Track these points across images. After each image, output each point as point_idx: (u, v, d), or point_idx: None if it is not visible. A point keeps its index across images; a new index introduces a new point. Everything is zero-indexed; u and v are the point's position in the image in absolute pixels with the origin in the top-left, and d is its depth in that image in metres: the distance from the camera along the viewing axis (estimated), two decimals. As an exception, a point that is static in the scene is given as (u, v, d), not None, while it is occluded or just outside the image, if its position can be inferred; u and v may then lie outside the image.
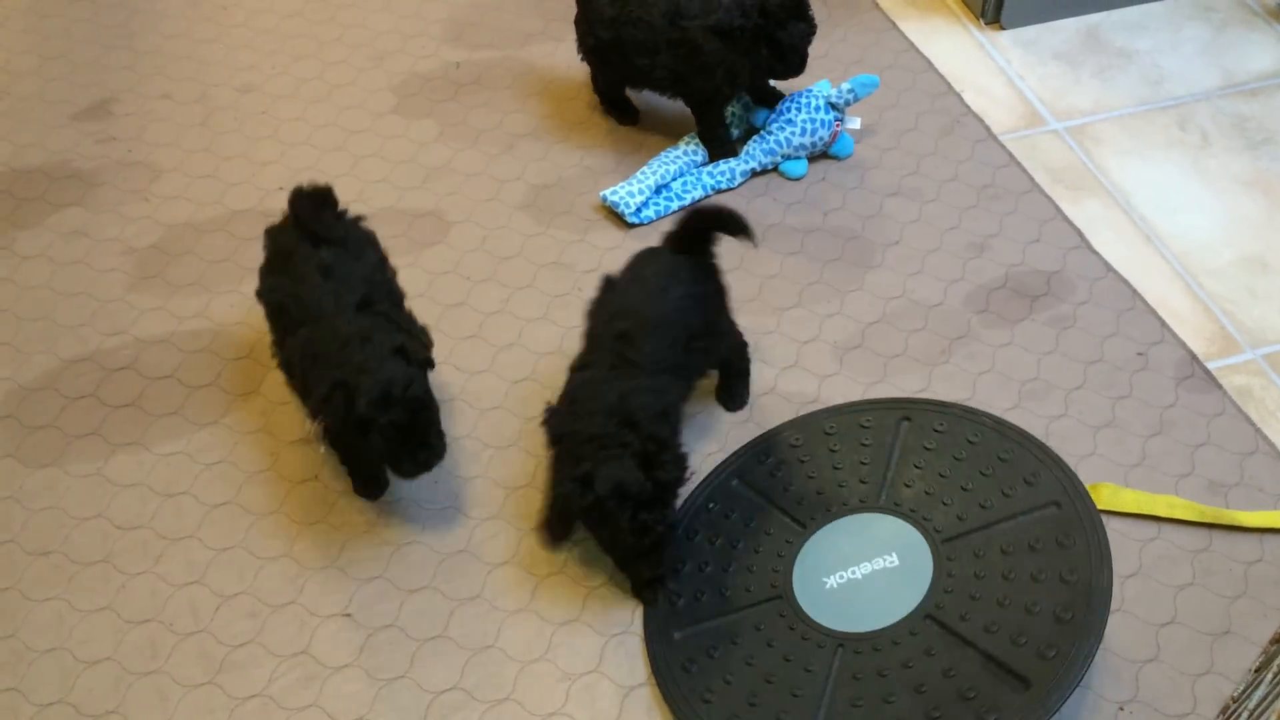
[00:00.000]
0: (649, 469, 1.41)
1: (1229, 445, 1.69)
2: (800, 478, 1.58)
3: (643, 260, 1.63)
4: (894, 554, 1.48)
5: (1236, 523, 1.58)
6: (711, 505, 1.57)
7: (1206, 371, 1.78)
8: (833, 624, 1.42)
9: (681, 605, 1.47)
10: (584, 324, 1.61)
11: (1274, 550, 1.58)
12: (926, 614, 1.41)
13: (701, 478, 1.62)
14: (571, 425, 1.47)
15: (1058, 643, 1.35)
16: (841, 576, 1.47)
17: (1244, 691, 1.32)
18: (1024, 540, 1.46)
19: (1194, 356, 1.80)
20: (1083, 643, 1.34)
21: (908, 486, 1.55)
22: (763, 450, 1.63)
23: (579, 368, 1.55)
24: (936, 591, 1.43)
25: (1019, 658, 1.35)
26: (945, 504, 1.52)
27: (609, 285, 1.61)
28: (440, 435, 1.52)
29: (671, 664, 1.42)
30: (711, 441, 1.70)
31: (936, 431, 1.61)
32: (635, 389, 1.47)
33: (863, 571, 1.47)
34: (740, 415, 1.73)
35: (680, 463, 1.46)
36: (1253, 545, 1.58)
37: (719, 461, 1.65)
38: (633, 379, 1.48)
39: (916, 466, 1.57)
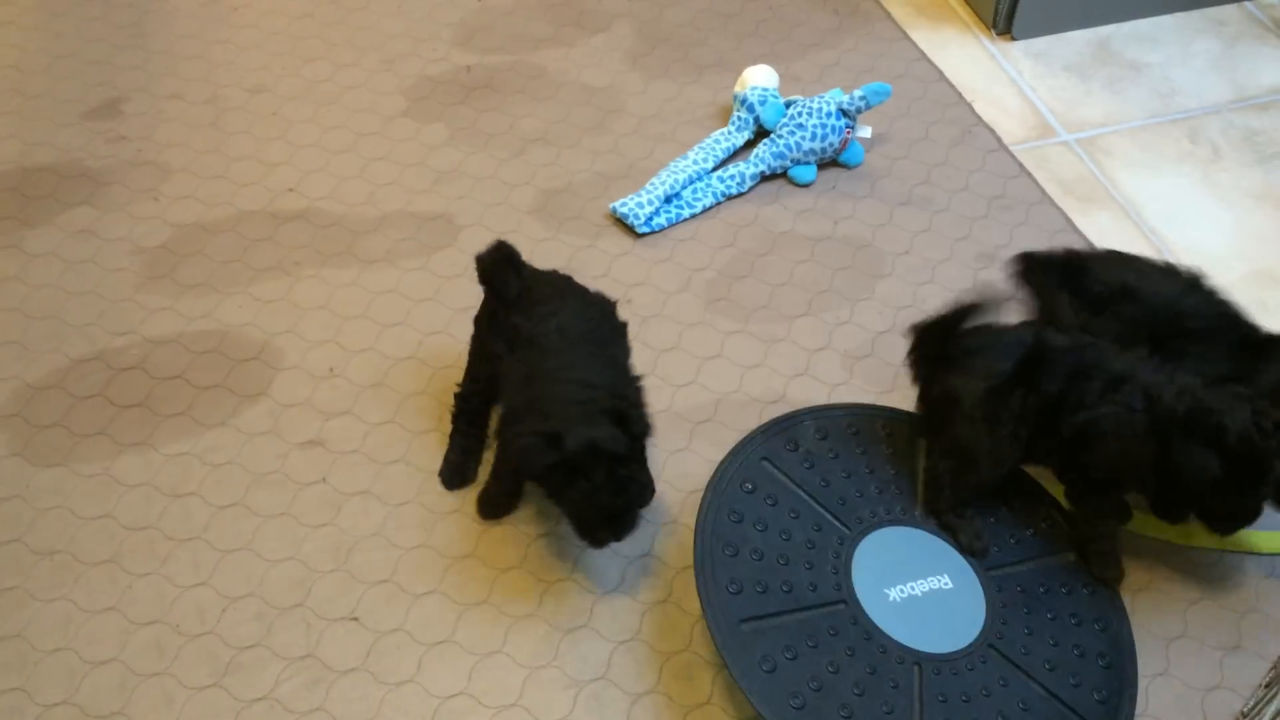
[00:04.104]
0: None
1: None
2: (837, 475, 1.55)
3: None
4: (946, 576, 1.46)
5: (1254, 549, 1.58)
6: (748, 487, 1.53)
7: (1217, 385, 1.78)
8: (906, 640, 1.39)
9: (743, 595, 1.41)
10: None
11: (1284, 565, 1.58)
12: (989, 643, 1.40)
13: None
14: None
15: (1104, 688, 1.36)
16: (902, 590, 1.44)
17: (1254, 707, 1.31)
18: (1056, 582, 1.47)
19: (1204, 370, 1.80)
20: (1126, 690, 1.37)
21: None
22: (789, 437, 1.59)
23: None
24: (994, 621, 1.42)
25: (1079, 700, 1.35)
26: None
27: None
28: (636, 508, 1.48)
29: (750, 658, 1.35)
30: (719, 449, 1.69)
31: None
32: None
33: (920, 589, 1.44)
34: (749, 423, 1.72)
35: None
36: (1263, 561, 1.57)
37: (736, 441, 1.61)
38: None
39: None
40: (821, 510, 1.52)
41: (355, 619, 1.51)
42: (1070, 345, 1.47)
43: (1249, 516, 1.42)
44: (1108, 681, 1.37)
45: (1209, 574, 1.56)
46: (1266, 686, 1.33)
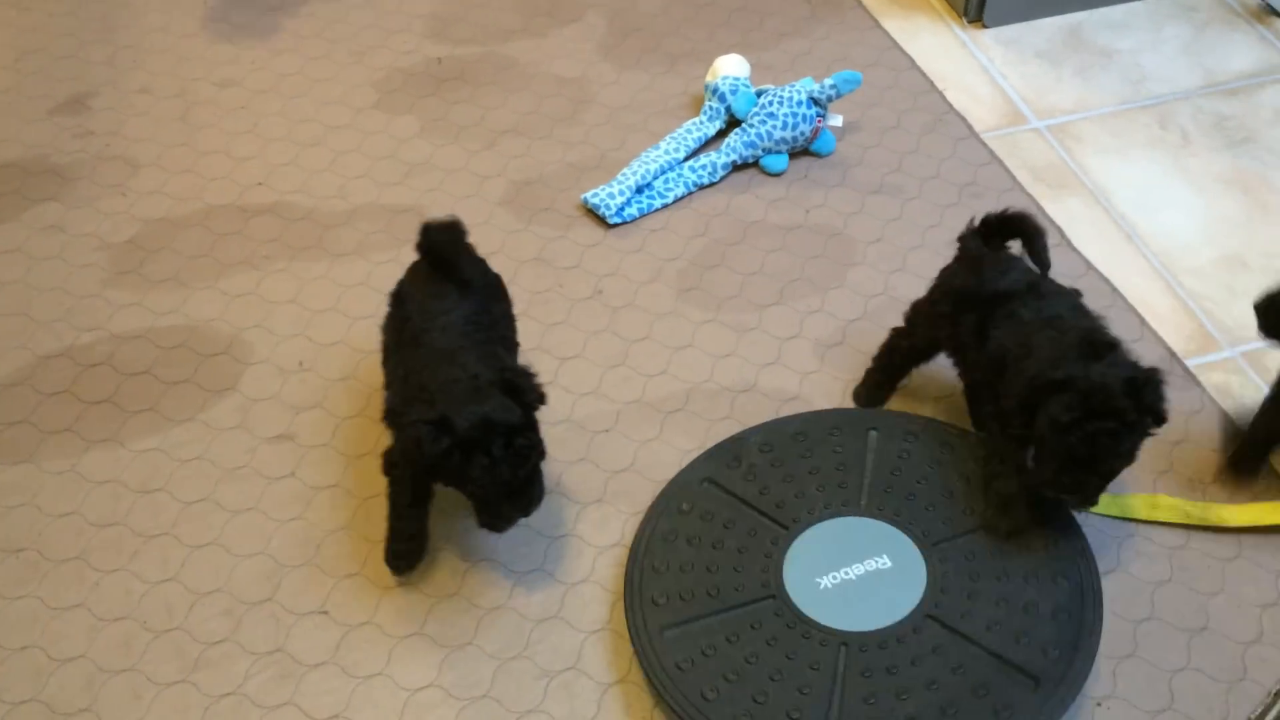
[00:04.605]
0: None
1: (1208, 443, 1.69)
2: (776, 481, 1.57)
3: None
4: (885, 556, 1.47)
5: (1222, 523, 1.58)
6: (685, 507, 1.55)
7: (1186, 369, 1.79)
8: (833, 623, 1.41)
9: (667, 605, 1.45)
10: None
11: (1251, 548, 1.58)
12: (926, 613, 1.41)
13: (667, 480, 1.60)
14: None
15: (1059, 640, 1.37)
16: (835, 577, 1.46)
17: (1262, 714, 1.31)
18: (1013, 543, 1.47)
19: (1173, 354, 1.80)
20: (1083, 640, 1.37)
21: (887, 492, 1.54)
22: (731, 455, 1.61)
23: None
24: (933, 591, 1.43)
25: (1024, 655, 1.36)
26: (928, 510, 1.52)
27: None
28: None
29: (664, 663, 1.39)
30: (690, 439, 1.69)
31: (908, 439, 1.61)
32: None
33: (856, 572, 1.46)
34: (720, 412, 1.73)
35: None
36: (1230, 543, 1.58)
37: (684, 464, 1.63)
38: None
39: (893, 473, 1.56)
40: (758, 515, 1.54)
41: (325, 613, 1.51)
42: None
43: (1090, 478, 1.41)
44: (1060, 634, 1.37)
45: (1176, 556, 1.56)
46: (1277, 695, 1.33)
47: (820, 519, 1.52)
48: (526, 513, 1.45)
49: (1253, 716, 1.32)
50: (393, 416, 1.45)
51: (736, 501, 1.55)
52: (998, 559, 1.46)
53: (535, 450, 1.40)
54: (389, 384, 1.54)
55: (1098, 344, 1.41)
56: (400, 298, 1.57)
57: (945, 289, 1.61)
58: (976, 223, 1.60)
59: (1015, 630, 1.38)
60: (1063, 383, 1.37)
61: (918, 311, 1.66)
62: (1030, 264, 1.56)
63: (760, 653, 1.39)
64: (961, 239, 1.62)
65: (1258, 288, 1.56)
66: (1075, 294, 1.56)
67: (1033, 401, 1.39)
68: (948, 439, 1.60)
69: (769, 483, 1.57)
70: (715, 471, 1.59)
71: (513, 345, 1.62)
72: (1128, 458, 1.40)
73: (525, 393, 1.40)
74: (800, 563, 1.48)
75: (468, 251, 1.56)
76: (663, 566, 1.49)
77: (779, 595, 1.44)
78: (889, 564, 1.47)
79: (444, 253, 1.53)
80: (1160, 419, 1.39)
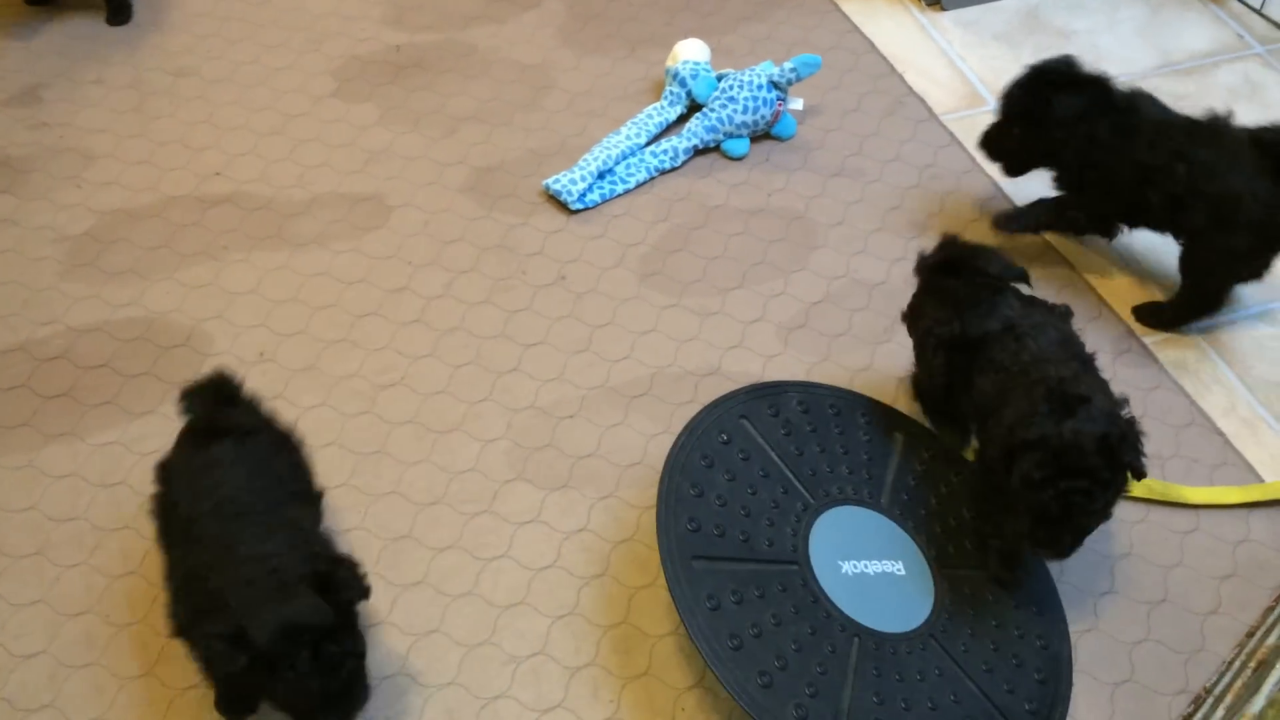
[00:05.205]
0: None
1: (1166, 418, 1.72)
2: (811, 448, 1.55)
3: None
4: (900, 563, 1.47)
5: (1182, 500, 1.60)
6: (724, 438, 1.52)
7: (1143, 346, 1.81)
8: (850, 611, 1.40)
9: (699, 534, 1.41)
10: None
11: (1210, 521, 1.60)
12: (931, 634, 1.41)
13: (706, 403, 1.56)
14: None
15: (1036, 700, 1.38)
16: (855, 566, 1.45)
17: (1217, 682, 1.33)
18: (1007, 595, 1.47)
19: (1131, 331, 1.82)
20: (1058, 708, 1.38)
21: (907, 499, 1.54)
22: (771, 403, 1.58)
23: None
24: (939, 615, 1.43)
25: (1010, 706, 1.37)
26: (939, 530, 1.52)
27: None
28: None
29: (696, 593, 1.35)
30: (655, 423, 1.69)
31: (928, 451, 1.61)
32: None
33: (873, 569, 1.45)
34: (685, 396, 1.73)
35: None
36: (1188, 517, 1.60)
37: (649, 448, 1.63)
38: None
39: (913, 481, 1.56)
40: (791, 476, 1.52)
41: (289, 603, 1.49)
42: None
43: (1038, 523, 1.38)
44: (1041, 695, 1.38)
45: (1136, 530, 1.58)
46: (1230, 664, 1.34)
47: (848, 502, 1.51)
48: (348, 718, 1.27)
49: (1209, 685, 1.35)
50: (181, 629, 1.27)
51: (772, 454, 1.53)
52: (996, 606, 1.46)
53: (351, 657, 1.23)
54: (169, 582, 1.33)
55: (1069, 398, 1.36)
56: (166, 474, 1.39)
57: (933, 338, 1.56)
58: (917, 264, 1.61)
59: (1006, 679, 1.39)
60: (1034, 442, 1.34)
61: (921, 356, 1.63)
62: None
63: (785, 618, 1.37)
64: (930, 273, 1.61)
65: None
66: (1062, 316, 1.53)
67: (1008, 459, 1.37)
68: (959, 467, 1.60)
69: (805, 447, 1.55)
70: (754, 414, 1.56)
71: (314, 498, 1.45)
72: (1102, 515, 1.38)
73: (342, 588, 1.23)
74: (825, 540, 1.46)
75: (238, 405, 1.42)
76: (698, 492, 1.45)
77: (803, 565, 1.43)
78: (902, 571, 1.46)
79: (209, 419, 1.39)
80: (1137, 475, 1.36)
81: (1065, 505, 1.33)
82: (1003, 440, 1.39)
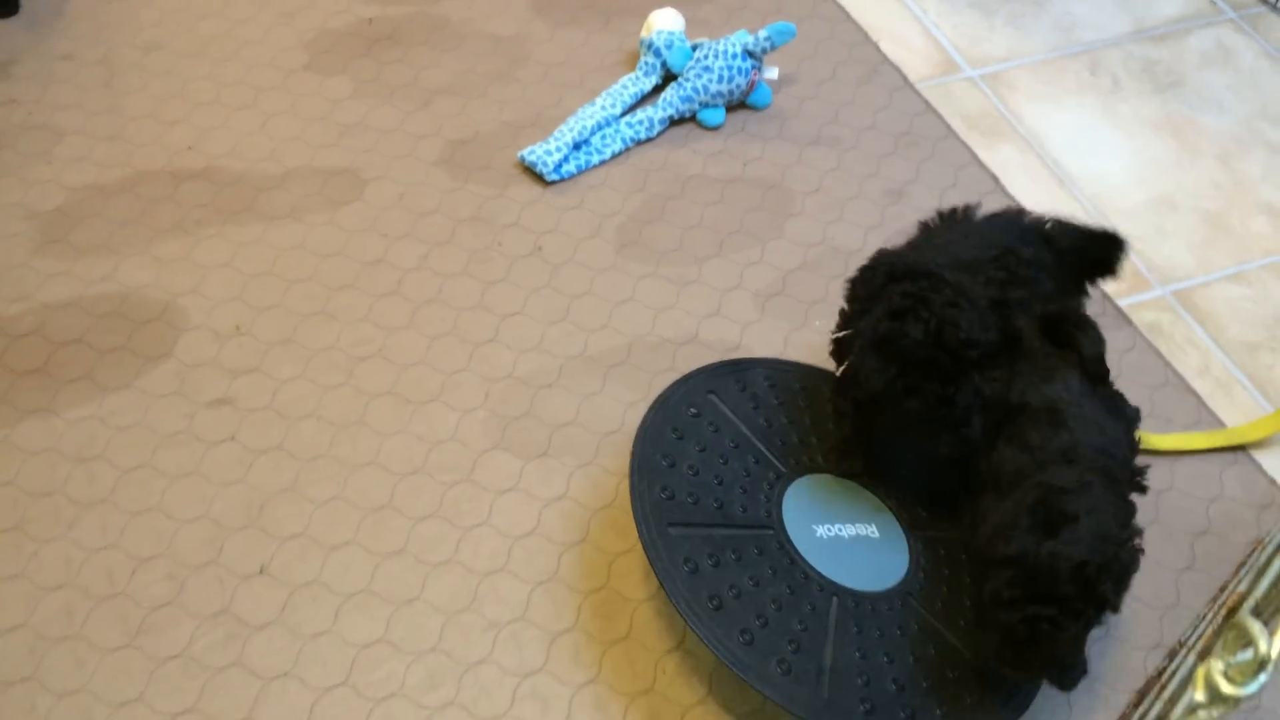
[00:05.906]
0: None
1: (1140, 379, 1.73)
2: (780, 421, 1.56)
3: None
4: (873, 525, 1.48)
5: (1149, 447, 1.62)
6: (693, 411, 1.53)
7: (1118, 308, 1.82)
8: (827, 572, 1.41)
9: (673, 502, 1.42)
10: None
11: (1184, 478, 1.62)
12: (909, 591, 1.42)
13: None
14: None
15: None
16: (829, 530, 1.46)
17: (1190, 635, 1.35)
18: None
19: (1105, 294, 1.84)
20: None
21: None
22: (738, 379, 1.60)
23: None
24: (914, 576, 1.44)
25: (989, 665, 1.36)
26: (910, 495, 1.53)
27: None
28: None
29: (673, 557, 1.36)
30: (633, 391, 1.70)
31: None
32: None
33: (847, 532, 1.47)
34: (662, 364, 1.73)
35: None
36: (1164, 474, 1.62)
37: (627, 417, 1.63)
38: None
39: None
40: (761, 446, 1.53)
41: (269, 574, 1.50)
42: None
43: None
44: None
45: (1112, 490, 1.60)
46: (1202, 617, 1.35)
47: (814, 471, 1.52)
48: None
49: (1183, 638, 1.36)
50: None
51: (742, 427, 1.54)
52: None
53: None
54: None
55: (1054, 514, 1.27)
56: None
57: (968, 392, 1.44)
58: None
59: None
60: (1012, 559, 1.25)
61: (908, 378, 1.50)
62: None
63: (763, 579, 1.38)
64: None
65: (1187, 228, 1.60)
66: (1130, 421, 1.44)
67: (984, 569, 1.31)
68: None
69: (773, 420, 1.56)
70: (721, 389, 1.57)
71: None
72: (1070, 645, 1.25)
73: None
74: (797, 506, 1.47)
75: None
76: (669, 462, 1.46)
77: (778, 530, 1.44)
78: (876, 534, 1.47)
79: None
80: (1113, 610, 1.26)
81: (1032, 631, 1.24)
82: (979, 550, 1.33)
